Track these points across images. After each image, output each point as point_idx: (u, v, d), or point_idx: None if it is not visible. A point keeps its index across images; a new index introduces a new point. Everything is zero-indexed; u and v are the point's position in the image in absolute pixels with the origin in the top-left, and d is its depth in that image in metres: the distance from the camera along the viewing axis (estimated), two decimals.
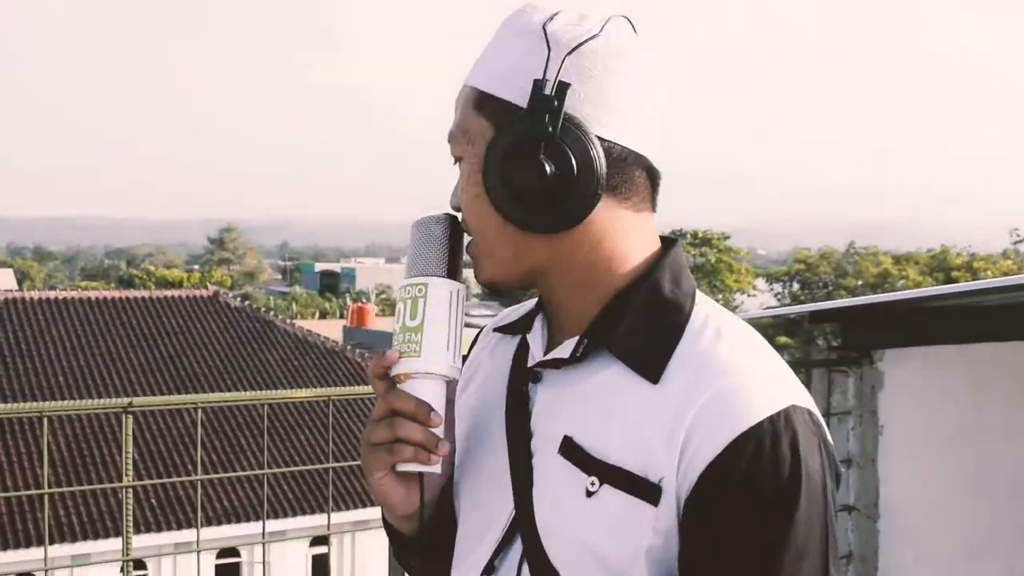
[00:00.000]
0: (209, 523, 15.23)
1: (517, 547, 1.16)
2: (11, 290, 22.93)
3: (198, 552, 2.80)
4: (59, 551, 14.28)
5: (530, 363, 1.22)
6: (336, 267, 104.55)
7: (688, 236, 50.41)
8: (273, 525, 15.32)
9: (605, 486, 1.08)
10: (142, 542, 14.44)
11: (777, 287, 49.41)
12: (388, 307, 68.15)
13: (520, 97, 1.11)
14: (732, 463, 1.02)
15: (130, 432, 2.52)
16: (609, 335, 1.14)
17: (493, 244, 1.16)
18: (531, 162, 1.09)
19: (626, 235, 1.16)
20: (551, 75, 1.09)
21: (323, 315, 62.40)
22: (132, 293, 22.53)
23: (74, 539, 14.56)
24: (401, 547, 1.31)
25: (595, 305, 1.17)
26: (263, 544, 2.82)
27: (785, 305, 43.47)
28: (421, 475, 1.20)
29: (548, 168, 1.08)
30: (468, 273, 1.23)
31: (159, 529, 15.13)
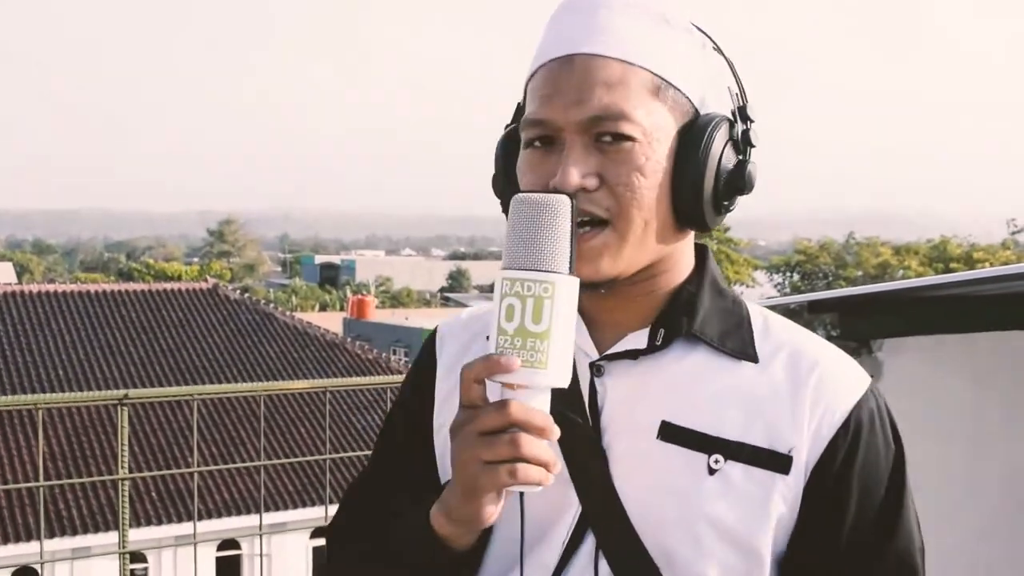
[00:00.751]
0: (209, 515, 15.25)
1: (589, 544, 1.15)
2: (10, 283, 22.99)
3: (195, 544, 2.80)
4: (59, 544, 14.31)
5: (586, 359, 1.19)
6: (336, 259, 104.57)
7: None
8: (274, 517, 15.34)
9: (730, 462, 1.13)
10: (142, 535, 14.45)
11: (777, 278, 49.41)
12: (388, 299, 68.23)
13: (698, 97, 1.16)
14: (856, 428, 1.14)
15: (126, 424, 2.51)
16: (688, 322, 1.17)
17: (638, 236, 1.13)
18: (743, 167, 1.17)
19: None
20: (737, 88, 1.19)
21: (323, 307, 62.48)
22: (132, 286, 22.56)
23: (74, 532, 14.59)
24: (446, 561, 1.14)
25: (657, 296, 1.20)
26: (259, 536, 2.81)
27: (785, 295, 43.48)
28: (522, 493, 1.10)
29: (752, 176, 1.17)
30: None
31: (159, 522, 15.16)
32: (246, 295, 24.12)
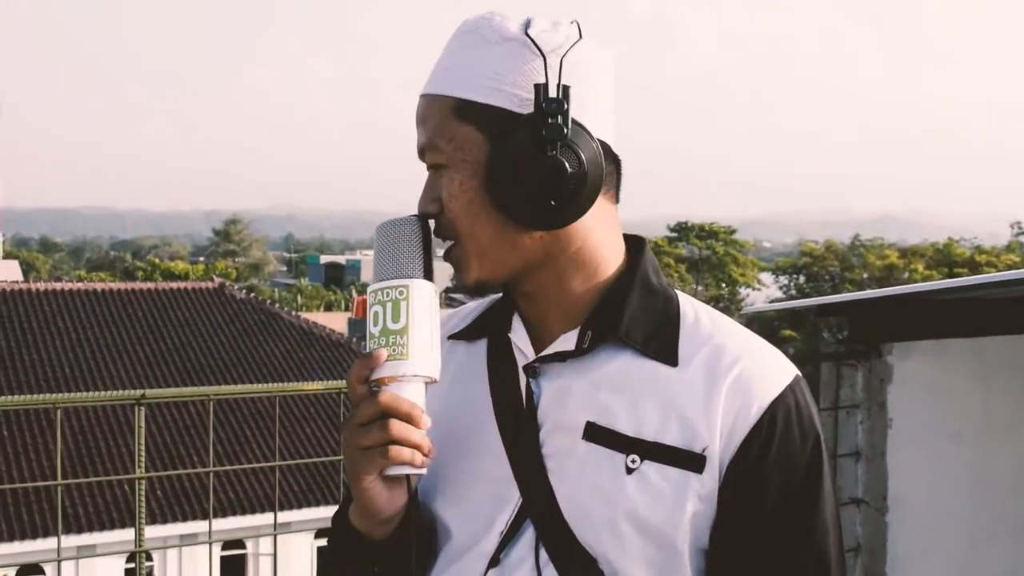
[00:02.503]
0: (215, 515, 15.29)
1: (528, 535, 1.21)
2: (17, 281, 23.00)
3: (210, 544, 2.81)
4: (64, 542, 14.33)
5: (525, 360, 1.26)
6: (341, 259, 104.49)
7: (695, 229, 50.42)
8: (279, 517, 15.33)
9: (646, 462, 1.19)
10: (147, 533, 14.48)
11: (783, 280, 49.36)
12: None
13: (514, 103, 1.17)
14: (770, 427, 1.18)
15: (143, 424, 2.53)
16: (613, 325, 1.23)
17: (487, 245, 1.21)
18: (548, 162, 1.15)
19: (608, 227, 1.26)
20: (552, 79, 1.15)
21: (328, 307, 62.41)
22: (138, 285, 22.58)
23: (79, 530, 14.61)
24: (362, 553, 1.24)
25: (586, 297, 1.25)
26: (274, 536, 2.82)
27: (792, 298, 43.47)
28: (408, 477, 1.19)
29: (567, 167, 1.15)
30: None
31: (164, 520, 15.19)
32: (252, 295, 24.13)
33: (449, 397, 1.30)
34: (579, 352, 1.23)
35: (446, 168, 1.21)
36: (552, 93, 1.15)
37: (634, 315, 1.24)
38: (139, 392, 2.51)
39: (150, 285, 22.74)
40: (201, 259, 80.00)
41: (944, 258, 44.90)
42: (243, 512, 15.59)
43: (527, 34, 1.18)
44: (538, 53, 1.17)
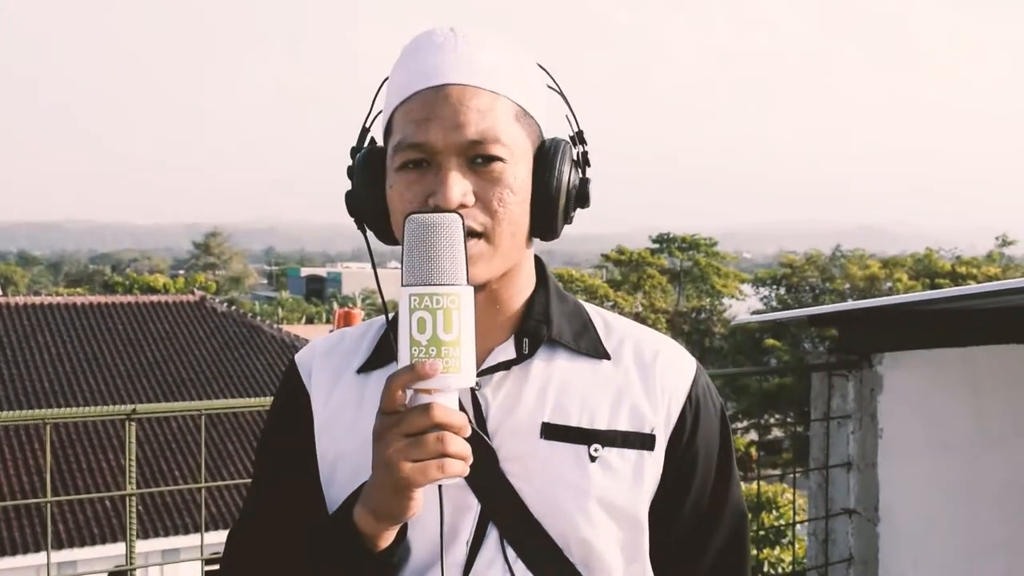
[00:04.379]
0: (196, 530, 15.16)
1: (493, 538, 1.30)
2: None
3: (202, 560, 2.76)
4: (42, 559, 14.18)
5: (471, 383, 1.29)
6: (322, 272, 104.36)
7: (677, 241, 50.52)
8: None
9: (606, 448, 1.32)
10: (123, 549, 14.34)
11: (764, 291, 49.50)
12: (375, 312, 68.07)
13: (543, 123, 1.33)
14: (695, 401, 1.39)
15: (134, 439, 2.48)
16: (547, 331, 1.35)
17: (507, 245, 1.27)
18: (584, 182, 1.34)
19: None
20: (573, 117, 1.36)
21: (309, 320, 62.25)
22: (118, 298, 22.42)
23: (59, 546, 14.46)
24: (363, 558, 1.24)
25: (515, 308, 1.36)
26: None
27: (772, 309, 43.59)
28: (440, 485, 1.21)
29: (589, 192, 1.34)
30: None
31: (144, 536, 15.04)
32: (233, 308, 24.02)
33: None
34: (520, 359, 1.33)
35: (505, 164, 1.25)
36: (577, 127, 1.36)
37: (559, 319, 1.37)
38: (130, 407, 2.47)
39: (130, 298, 22.59)
40: (181, 272, 79.68)
41: (925, 269, 45.13)
42: (226, 527, 15.47)
43: (540, 66, 1.35)
44: (555, 86, 1.36)
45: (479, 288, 1.26)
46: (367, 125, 1.36)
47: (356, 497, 1.24)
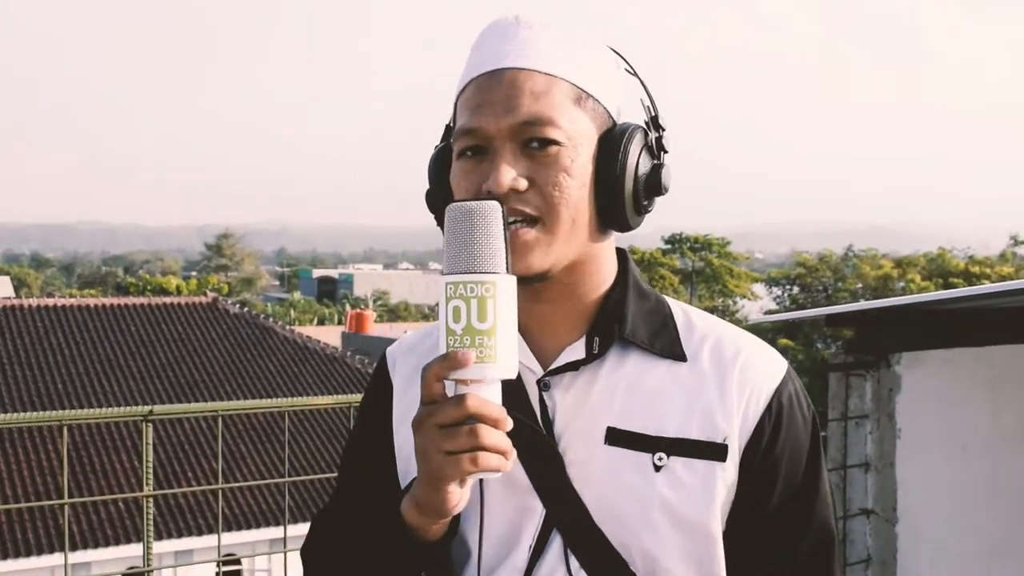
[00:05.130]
0: (210, 531, 15.18)
1: (556, 545, 1.24)
2: (8, 298, 22.88)
3: (219, 562, 2.76)
4: (57, 560, 14.22)
5: (532, 375, 1.28)
6: (334, 273, 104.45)
7: (689, 241, 50.47)
8: (274, 532, 15.28)
9: (672, 457, 1.24)
10: (138, 551, 14.35)
11: (776, 291, 49.38)
12: (386, 313, 68.13)
13: (612, 108, 1.27)
14: (778, 411, 1.27)
15: (150, 440, 2.47)
16: (619, 330, 1.27)
17: (565, 233, 1.21)
18: (657, 169, 1.27)
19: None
20: (649, 101, 1.29)
21: (321, 321, 62.38)
22: (131, 300, 22.46)
23: (74, 548, 14.50)
24: (414, 551, 1.22)
25: (590, 305, 1.29)
26: (284, 553, 2.77)
27: (786, 309, 43.48)
28: (481, 480, 1.19)
29: (667, 178, 1.27)
30: None
31: (159, 537, 15.05)
32: (245, 309, 24.05)
33: None
34: (590, 359, 1.26)
35: (561, 147, 1.20)
36: (654, 113, 1.29)
37: (635, 317, 1.29)
38: (147, 408, 2.47)
39: (143, 300, 22.63)
40: (193, 274, 79.86)
41: (938, 268, 44.95)
42: (238, 528, 15.49)
43: (616, 53, 1.29)
44: (635, 74, 1.30)
45: (540, 279, 1.21)
46: (450, 124, 1.32)
47: (408, 489, 1.21)
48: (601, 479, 1.24)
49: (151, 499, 2.57)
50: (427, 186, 1.33)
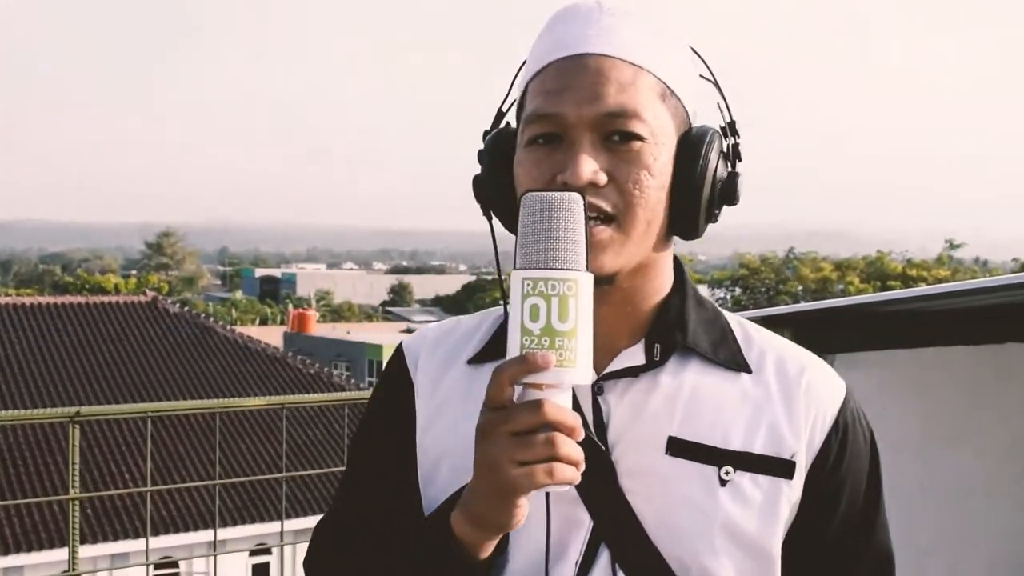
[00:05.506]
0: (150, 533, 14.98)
1: (604, 560, 1.17)
2: None
3: (147, 565, 2.72)
4: None
5: (588, 380, 1.15)
6: (277, 272, 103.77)
7: None
8: (211, 535, 15.10)
9: (739, 472, 1.18)
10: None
11: (719, 292, 49.87)
12: (329, 313, 67.74)
13: (691, 109, 1.21)
14: (843, 430, 1.22)
15: (77, 442, 2.43)
16: (680, 336, 1.22)
17: (640, 234, 1.15)
18: (733, 176, 1.21)
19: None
20: (725, 106, 1.25)
21: (263, 321, 61.86)
22: (68, 299, 22.15)
23: (6, 551, 14.25)
24: (460, 572, 1.12)
25: (649, 311, 1.23)
26: (214, 556, 2.74)
27: (728, 311, 43.86)
28: (548, 494, 1.11)
29: (739, 188, 1.21)
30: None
31: (95, 540, 14.83)
32: (186, 308, 23.79)
33: None
34: (650, 365, 1.20)
35: (644, 143, 1.14)
36: (727, 118, 1.25)
37: (696, 325, 1.23)
38: (73, 409, 2.42)
39: (81, 299, 22.31)
40: (133, 273, 78.85)
41: (877, 271, 45.71)
42: (176, 530, 15.28)
43: (694, 51, 1.24)
44: (712, 75, 1.25)
45: (608, 281, 1.14)
46: (503, 108, 1.26)
47: (454, 501, 1.11)
48: (660, 491, 1.18)
49: (77, 502, 2.53)
50: (478, 172, 1.25)
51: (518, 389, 1.03)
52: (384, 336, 44.13)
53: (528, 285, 1.02)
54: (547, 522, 1.14)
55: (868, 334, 4.49)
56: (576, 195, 1.04)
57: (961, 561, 4.85)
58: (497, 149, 1.23)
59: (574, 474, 1.02)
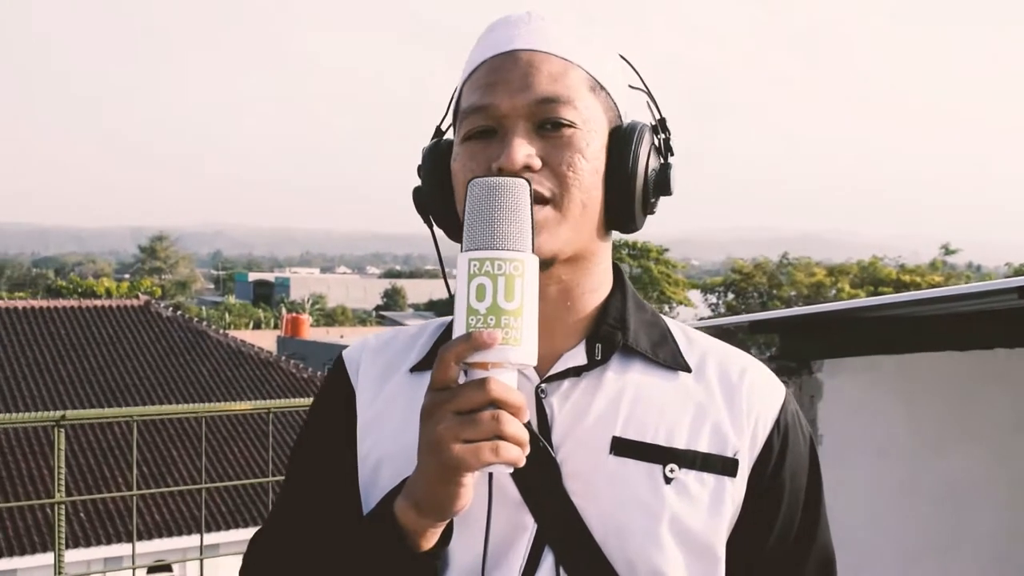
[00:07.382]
0: (140, 537, 14.95)
1: (548, 563, 1.16)
2: None
3: (134, 569, 2.72)
4: None
5: (527, 381, 1.19)
6: (270, 277, 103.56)
7: (627, 248, 50.81)
8: (207, 539, 15.07)
9: (683, 470, 1.18)
10: (70, 557, 14.11)
11: (712, 298, 49.90)
12: (322, 317, 67.65)
13: (623, 107, 1.25)
14: (784, 428, 1.24)
15: (63, 446, 2.43)
16: (622, 337, 1.22)
17: (576, 215, 1.16)
18: (665, 168, 1.24)
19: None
20: (655, 106, 1.28)
21: (257, 325, 61.78)
22: (61, 302, 22.07)
23: None
24: (405, 560, 1.10)
25: (588, 312, 1.24)
26: (200, 560, 2.74)
27: (720, 315, 43.92)
28: (491, 475, 1.11)
29: (673, 179, 1.24)
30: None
31: (87, 544, 14.81)
32: (178, 312, 23.73)
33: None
34: (591, 366, 1.21)
35: (576, 130, 1.16)
36: (657, 116, 1.28)
37: (636, 326, 1.25)
38: (59, 413, 2.42)
39: (73, 303, 22.24)
40: (126, 276, 78.70)
41: (870, 276, 45.74)
42: (169, 534, 15.26)
43: (623, 58, 1.28)
44: (641, 80, 1.28)
45: (547, 265, 1.14)
46: (442, 127, 1.29)
47: (397, 492, 1.10)
48: (605, 491, 1.17)
49: (63, 506, 2.53)
50: (418, 183, 1.27)
51: (463, 374, 1.03)
52: None
53: (475, 265, 1.03)
54: (487, 521, 1.13)
55: (855, 340, 4.50)
56: (523, 181, 1.06)
57: (950, 563, 4.87)
58: (436, 161, 1.25)
59: (519, 454, 1.02)
